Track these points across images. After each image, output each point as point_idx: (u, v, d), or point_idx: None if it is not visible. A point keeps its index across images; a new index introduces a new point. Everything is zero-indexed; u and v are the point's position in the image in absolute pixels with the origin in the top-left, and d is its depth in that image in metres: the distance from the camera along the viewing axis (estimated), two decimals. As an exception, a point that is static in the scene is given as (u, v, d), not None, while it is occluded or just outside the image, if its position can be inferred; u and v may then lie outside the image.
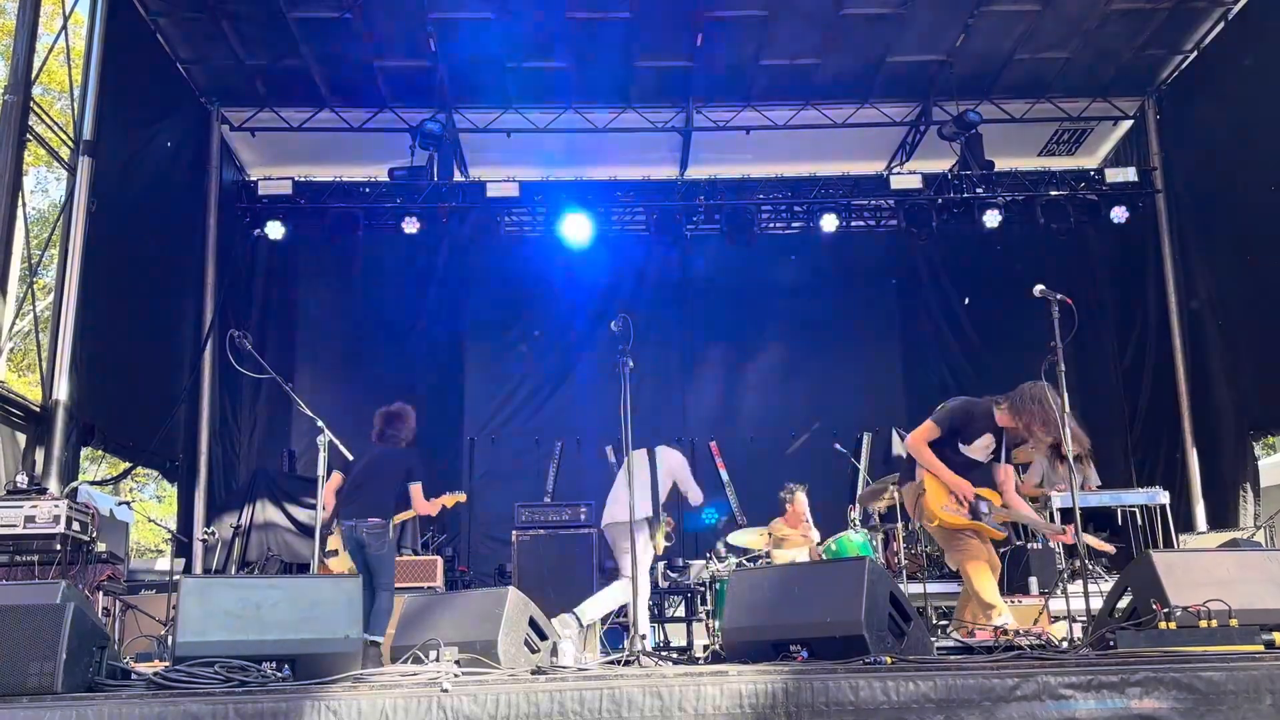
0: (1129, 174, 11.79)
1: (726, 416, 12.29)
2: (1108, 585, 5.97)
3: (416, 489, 7.14)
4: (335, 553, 7.70)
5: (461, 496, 7.58)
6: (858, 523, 8.70)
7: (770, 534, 8.54)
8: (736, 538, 8.74)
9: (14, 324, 10.17)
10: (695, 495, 7.83)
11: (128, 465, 10.16)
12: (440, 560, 8.80)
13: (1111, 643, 4.46)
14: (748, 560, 8.34)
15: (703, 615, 8.18)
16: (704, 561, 8.59)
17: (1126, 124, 12.08)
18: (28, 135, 7.99)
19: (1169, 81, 11.44)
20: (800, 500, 8.71)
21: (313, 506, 7.44)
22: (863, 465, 10.51)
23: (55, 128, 8.62)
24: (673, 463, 7.70)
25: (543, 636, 5.00)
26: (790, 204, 12.50)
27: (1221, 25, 10.40)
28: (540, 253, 12.25)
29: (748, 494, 11.12)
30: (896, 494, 6.48)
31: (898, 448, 11.34)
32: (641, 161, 12.16)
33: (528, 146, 11.60)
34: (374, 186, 11.76)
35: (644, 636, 5.96)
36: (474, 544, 11.41)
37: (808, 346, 12.52)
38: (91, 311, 8.30)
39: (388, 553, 6.99)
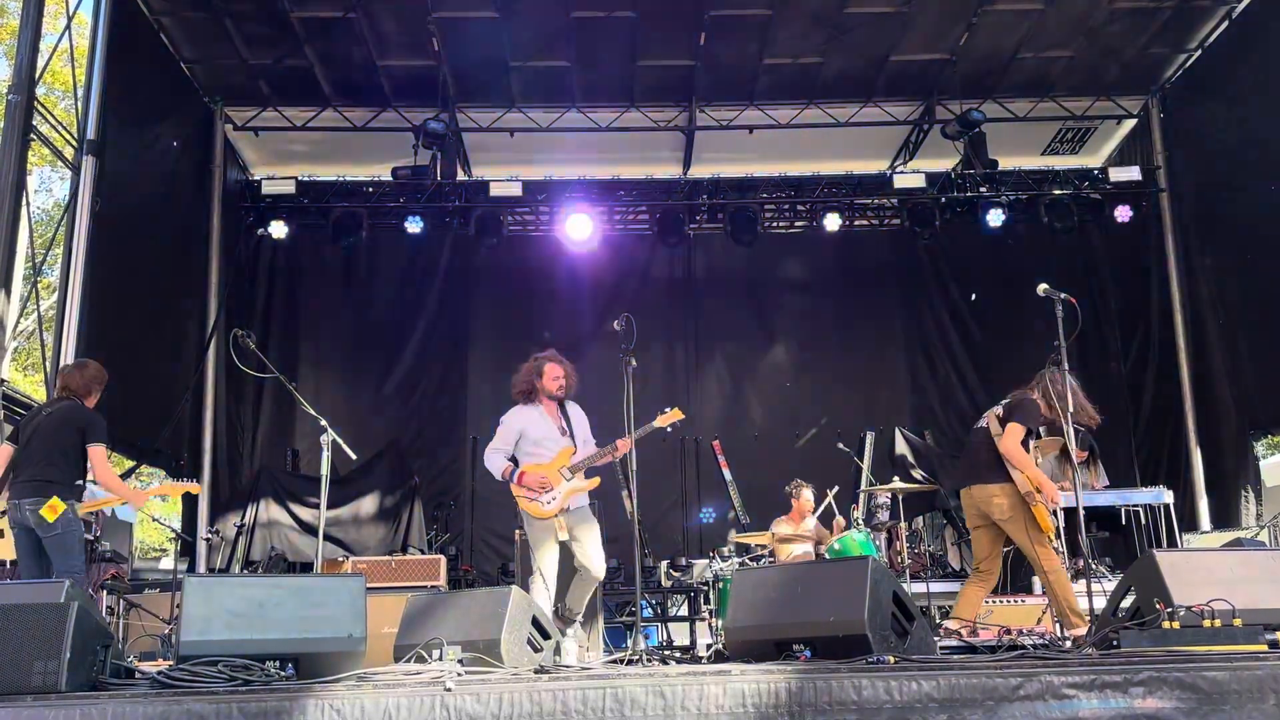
0: (1132, 173, 11.78)
1: (730, 416, 12.30)
2: (1111, 584, 5.96)
3: (97, 451, 6.04)
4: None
5: (196, 488, 6.65)
6: (861, 522, 8.69)
7: (774, 533, 8.54)
8: (740, 538, 8.75)
9: (18, 323, 10.18)
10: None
11: (132, 464, 10.17)
12: (443, 559, 8.80)
13: (1115, 642, 4.46)
14: (750, 559, 8.34)
15: (706, 614, 8.18)
16: (707, 560, 8.59)
17: (1130, 123, 12.06)
18: (31, 135, 8.01)
19: (1172, 80, 11.43)
20: (805, 498, 8.71)
21: (316, 505, 7.44)
22: (866, 464, 10.51)
23: (59, 127, 8.64)
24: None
25: (546, 635, 5.00)
26: (793, 203, 12.51)
27: (1225, 24, 10.38)
28: (543, 252, 12.26)
29: (751, 493, 11.13)
30: (972, 494, 6.34)
31: (901, 447, 11.33)
32: (645, 160, 12.16)
33: (531, 145, 11.61)
34: (377, 186, 11.78)
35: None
36: (477, 543, 11.42)
37: (811, 346, 12.53)
38: (95, 311, 8.31)
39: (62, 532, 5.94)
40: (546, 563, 6.06)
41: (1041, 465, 9.34)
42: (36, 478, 5.96)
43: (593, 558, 6.13)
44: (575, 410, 6.47)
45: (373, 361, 12.10)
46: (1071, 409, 5.82)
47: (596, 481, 6.29)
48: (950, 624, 6.23)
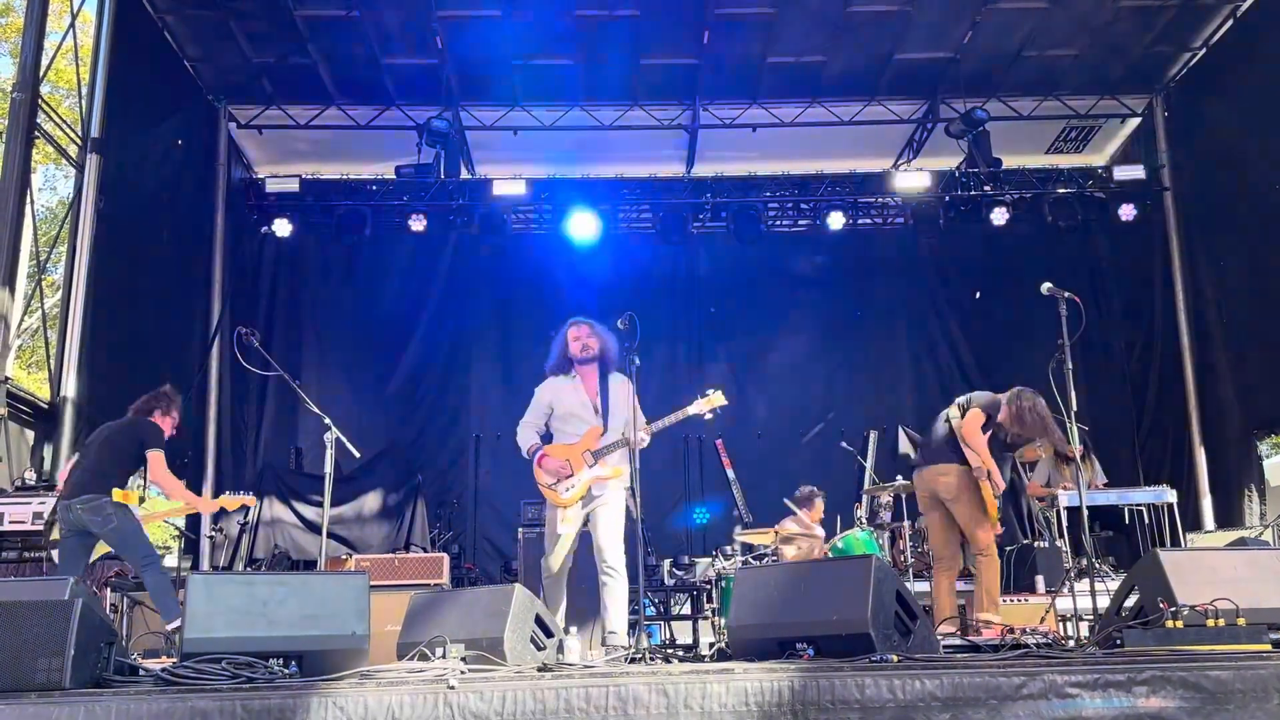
0: (1137, 172, 11.76)
1: (733, 415, 12.18)
2: (1115, 584, 5.96)
3: (157, 456, 6.24)
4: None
5: (250, 501, 6.71)
6: (864, 520, 8.69)
7: (777, 532, 8.53)
8: (744, 536, 8.74)
9: (22, 321, 10.18)
10: None
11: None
12: (446, 557, 8.81)
13: (1118, 641, 4.45)
14: (753, 558, 8.33)
15: (709, 613, 8.18)
16: (710, 559, 8.59)
17: (1134, 121, 12.04)
18: (36, 133, 8.02)
19: (1177, 79, 11.41)
20: (818, 507, 8.68)
21: (320, 503, 7.45)
22: (869, 463, 10.50)
23: (63, 125, 8.65)
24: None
25: (549, 634, 5.01)
26: (797, 202, 12.50)
27: (1230, 22, 10.36)
28: (546, 250, 12.26)
29: (755, 491, 11.11)
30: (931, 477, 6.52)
31: (904, 446, 11.32)
32: (648, 159, 12.16)
33: (534, 144, 11.60)
34: (381, 184, 11.79)
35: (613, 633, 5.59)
36: (480, 541, 11.43)
37: (814, 345, 12.52)
38: (99, 309, 8.33)
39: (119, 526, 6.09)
40: (554, 557, 5.73)
41: (1042, 463, 9.36)
42: (88, 479, 6.07)
43: (606, 550, 5.63)
44: (619, 385, 5.86)
45: (376, 360, 12.11)
46: (1038, 432, 6.28)
47: (620, 472, 5.71)
48: (984, 616, 6.28)
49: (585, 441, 5.76)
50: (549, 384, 5.97)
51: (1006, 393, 6.49)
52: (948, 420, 6.52)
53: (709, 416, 6.05)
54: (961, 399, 6.63)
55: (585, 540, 5.85)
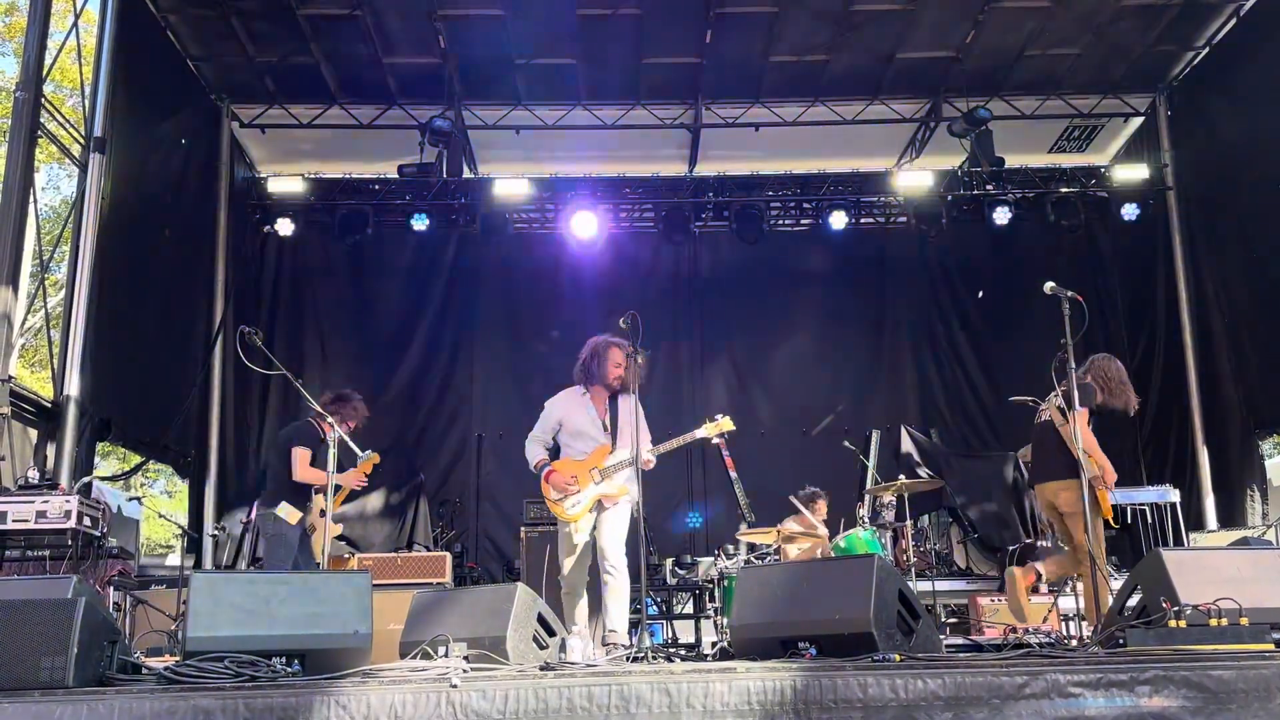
0: (1139, 171, 11.76)
1: (736, 413, 12.00)
2: (1118, 583, 5.96)
3: (299, 453, 6.68)
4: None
5: (375, 457, 6.79)
6: (866, 520, 8.69)
7: (779, 531, 8.53)
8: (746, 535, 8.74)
9: (25, 320, 10.20)
10: None
11: (139, 460, 10.20)
12: (449, 556, 8.82)
13: (1121, 641, 4.45)
14: (756, 557, 8.33)
15: (711, 612, 8.18)
16: (712, 558, 8.59)
17: (1137, 121, 12.02)
18: (39, 132, 8.02)
19: (1180, 78, 11.39)
20: (820, 508, 8.68)
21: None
22: (871, 463, 10.50)
23: (66, 125, 8.65)
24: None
25: (551, 633, 5.01)
26: (799, 200, 12.51)
27: (1233, 22, 10.35)
28: (549, 249, 12.26)
29: (758, 490, 11.10)
30: (1044, 491, 6.48)
31: (907, 445, 11.32)
32: (650, 158, 12.16)
33: (536, 143, 11.61)
34: (383, 183, 11.80)
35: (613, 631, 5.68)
36: (482, 540, 11.43)
37: (816, 344, 12.52)
38: (103, 308, 8.33)
39: (277, 535, 6.61)
40: (569, 570, 5.83)
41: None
42: (264, 491, 6.93)
43: (607, 550, 5.72)
44: (627, 404, 5.84)
45: (378, 358, 12.11)
46: (1123, 397, 6.30)
47: (625, 491, 5.82)
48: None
49: (593, 459, 5.83)
50: (560, 399, 6.06)
51: (1088, 373, 6.35)
52: (1051, 424, 6.38)
53: (716, 441, 6.08)
54: (1055, 400, 6.40)
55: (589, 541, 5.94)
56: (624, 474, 5.80)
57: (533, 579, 7.79)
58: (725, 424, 6.04)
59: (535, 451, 5.94)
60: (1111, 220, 11.87)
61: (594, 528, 5.82)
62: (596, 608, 6.02)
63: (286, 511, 6.60)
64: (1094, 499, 5.88)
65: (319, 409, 6.67)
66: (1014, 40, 10.58)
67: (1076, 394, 5.73)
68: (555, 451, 6.02)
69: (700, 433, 5.97)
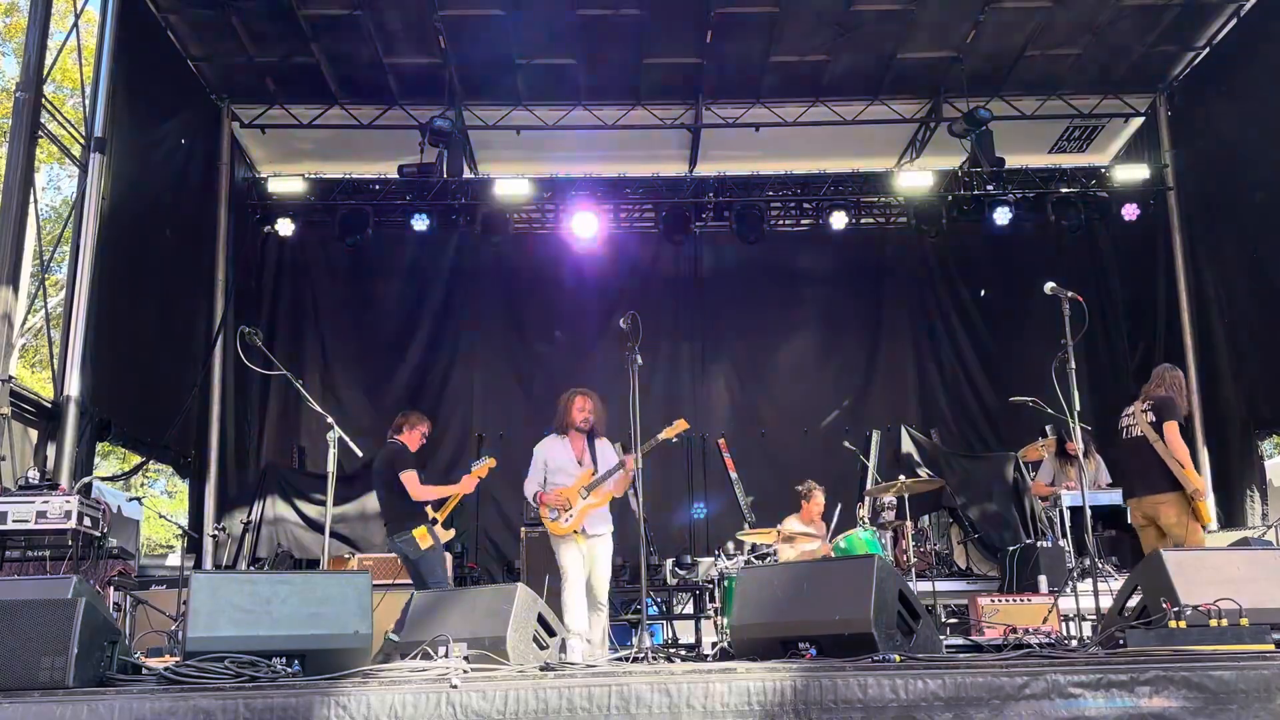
0: (1140, 171, 11.75)
1: (736, 413, 12.29)
2: (1118, 584, 5.96)
3: (407, 477, 6.93)
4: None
5: (491, 461, 7.29)
6: (866, 520, 8.69)
7: (780, 531, 8.53)
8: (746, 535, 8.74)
9: (26, 320, 10.19)
10: None
11: (139, 460, 10.20)
12: (449, 556, 8.81)
13: (1121, 641, 4.45)
14: (756, 557, 8.33)
15: (711, 612, 8.18)
16: (712, 558, 8.59)
17: (1138, 121, 12.02)
18: (40, 132, 8.02)
19: (1180, 78, 11.39)
20: (817, 499, 8.69)
21: (322, 502, 7.45)
22: (872, 463, 10.51)
23: (67, 125, 8.65)
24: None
25: (551, 633, 5.01)
26: (800, 201, 12.50)
27: (1234, 22, 10.35)
28: (549, 250, 12.26)
29: (757, 491, 11.13)
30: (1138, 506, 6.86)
31: (907, 445, 11.33)
32: (651, 158, 12.16)
33: (537, 143, 11.61)
34: (384, 183, 11.80)
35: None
36: (482, 540, 11.43)
37: (817, 344, 12.52)
38: (103, 308, 8.34)
39: (424, 555, 6.89)
40: (572, 574, 6.41)
41: (1046, 462, 9.35)
42: (384, 520, 7.26)
43: (596, 582, 6.50)
44: (604, 445, 6.83)
45: (378, 359, 12.11)
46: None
47: (610, 495, 6.64)
48: None
49: (579, 482, 6.61)
50: (545, 443, 6.82)
51: (1162, 385, 6.77)
52: (1145, 440, 6.68)
53: (675, 440, 6.78)
54: (1143, 413, 6.76)
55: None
56: (608, 484, 6.59)
57: (533, 579, 7.79)
58: (680, 425, 6.71)
59: (531, 489, 6.71)
60: (1112, 220, 11.87)
61: (584, 554, 6.51)
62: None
63: (420, 535, 6.86)
64: (1190, 521, 6.35)
65: (318, 409, 6.66)
66: (1014, 40, 10.58)
67: (1075, 394, 5.73)
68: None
69: (663, 435, 6.57)
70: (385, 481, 7.03)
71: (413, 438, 7.29)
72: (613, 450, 6.84)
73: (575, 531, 6.46)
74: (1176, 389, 6.76)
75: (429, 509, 6.98)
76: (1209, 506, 6.63)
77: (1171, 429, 6.57)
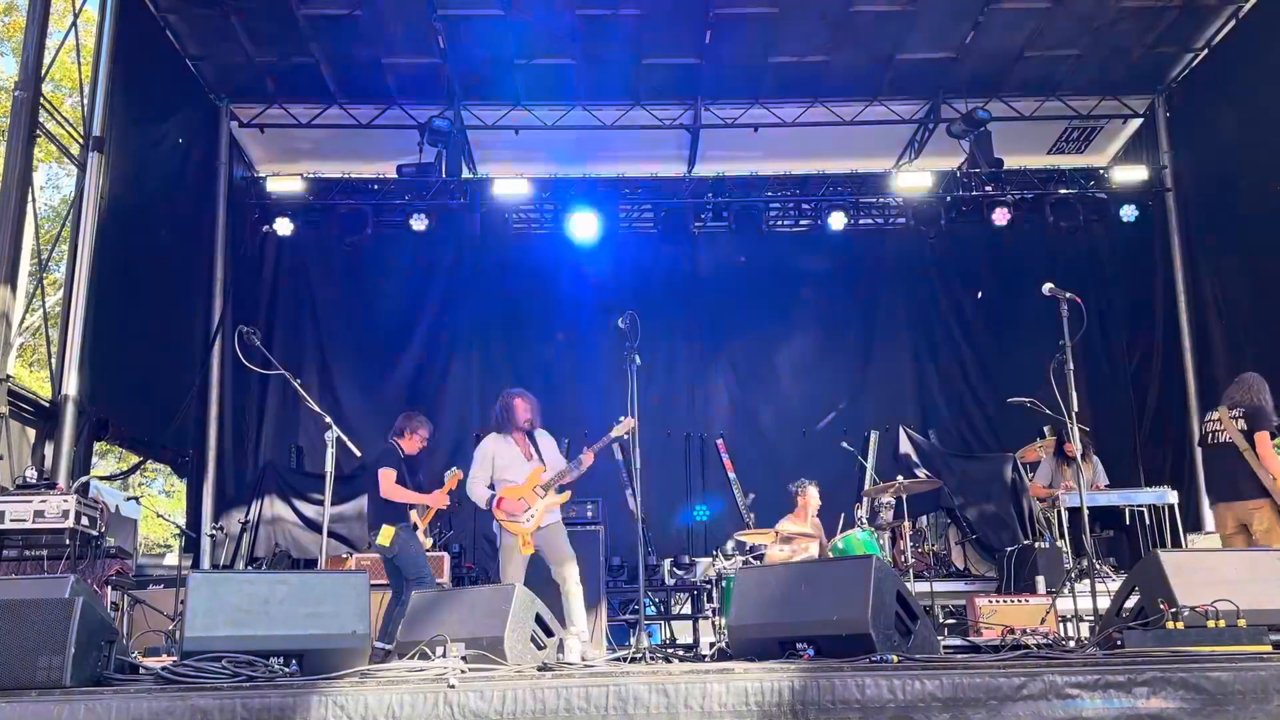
0: (1138, 173, 11.76)
1: (734, 413, 12.29)
2: (1115, 585, 5.96)
3: (382, 474, 6.97)
4: None
5: (459, 473, 7.30)
6: (864, 521, 8.68)
7: (777, 532, 8.53)
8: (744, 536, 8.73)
9: (24, 319, 10.19)
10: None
11: (137, 460, 10.19)
12: (447, 556, 8.82)
13: (1119, 642, 4.45)
14: (754, 558, 8.33)
15: (709, 612, 8.18)
16: (710, 559, 8.59)
17: (1136, 122, 12.03)
18: (38, 131, 8.02)
19: (1179, 80, 11.40)
20: (811, 495, 8.69)
21: (320, 502, 7.46)
22: (870, 463, 10.51)
23: (65, 124, 8.65)
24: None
25: (549, 633, 5.01)
26: (798, 201, 12.50)
27: (1232, 24, 10.35)
28: (548, 250, 12.26)
29: (757, 490, 11.11)
30: (1232, 511, 6.89)
31: (905, 446, 11.32)
32: (649, 158, 12.15)
33: (536, 143, 11.60)
34: (382, 183, 11.79)
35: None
36: (480, 540, 11.41)
37: (815, 344, 12.51)
38: (101, 307, 8.33)
39: (394, 554, 6.94)
40: (512, 578, 6.53)
41: (1044, 463, 9.36)
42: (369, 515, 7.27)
43: (565, 570, 6.64)
44: (543, 436, 7.09)
45: (377, 358, 12.10)
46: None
47: (568, 496, 6.94)
48: None
49: (531, 480, 6.79)
50: (489, 444, 7.01)
51: (1253, 394, 6.85)
52: (1235, 447, 6.76)
53: (626, 436, 6.72)
54: (1232, 420, 6.85)
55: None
56: (567, 478, 6.84)
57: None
58: (628, 423, 6.63)
59: (481, 492, 6.86)
60: (1110, 222, 11.88)
61: (544, 553, 6.72)
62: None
63: (384, 534, 6.87)
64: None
65: (317, 409, 6.66)
66: (1013, 41, 10.58)
67: (1073, 395, 5.74)
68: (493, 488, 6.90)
69: (614, 432, 6.67)
70: (371, 479, 7.12)
71: (411, 442, 7.33)
72: (552, 441, 7.11)
73: (526, 539, 6.64)
74: (1265, 397, 6.88)
75: (413, 514, 7.04)
76: None
77: (1263, 439, 6.70)
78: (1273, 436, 6.74)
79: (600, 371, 11.31)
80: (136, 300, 9.24)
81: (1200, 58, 11.00)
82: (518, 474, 6.81)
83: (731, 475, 11.44)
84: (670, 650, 7.37)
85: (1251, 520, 6.68)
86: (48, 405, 8.01)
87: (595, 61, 10.63)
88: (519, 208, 12.05)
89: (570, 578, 6.62)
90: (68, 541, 6.36)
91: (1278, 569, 4.65)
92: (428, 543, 7.35)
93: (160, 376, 9.86)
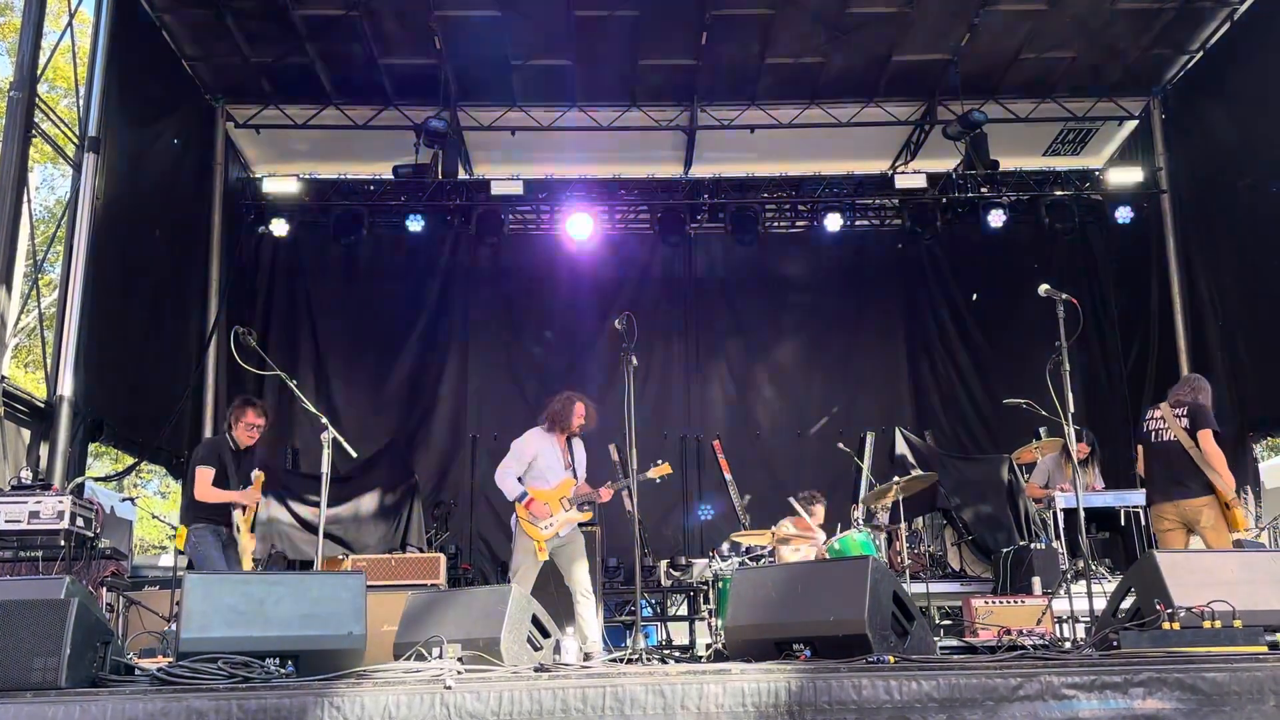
0: (1134, 174, 11.79)
1: (731, 415, 12.30)
2: (1111, 585, 5.97)
3: (198, 473, 6.60)
4: None
5: (262, 475, 6.87)
6: (861, 522, 8.69)
7: (774, 533, 8.52)
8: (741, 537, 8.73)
9: (19, 320, 10.17)
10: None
11: (132, 461, 10.18)
12: (443, 557, 8.79)
13: (1115, 643, 4.45)
14: (751, 559, 8.33)
15: (705, 614, 8.17)
16: (707, 560, 8.58)
17: (1132, 124, 12.06)
18: (33, 132, 8.01)
19: (1174, 81, 11.42)
20: (819, 513, 8.65)
21: (316, 503, 7.42)
22: (866, 464, 10.51)
23: (61, 125, 8.64)
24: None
25: (545, 634, 5.01)
26: (794, 203, 12.52)
27: (1227, 25, 10.38)
28: (544, 251, 12.27)
29: (752, 492, 11.12)
30: (1180, 508, 6.97)
31: (901, 447, 11.31)
32: (646, 160, 12.17)
33: (532, 144, 11.61)
34: (378, 184, 11.79)
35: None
36: (477, 542, 11.42)
37: (812, 346, 12.53)
38: (97, 308, 8.32)
39: (191, 554, 6.63)
40: (523, 580, 6.51)
41: (1041, 464, 9.36)
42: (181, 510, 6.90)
43: (579, 580, 6.64)
44: (579, 446, 6.99)
45: (373, 359, 12.10)
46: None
47: (589, 515, 6.88)
48: None
49: (561, 489, 6.73)
50: (533, 438, 6.89)
51: (1198, 393, 6.98)
52: (1179, 444, 6.85)
53: (658, 480, 7.00)
54: (1175, 419, 6.94)
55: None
56: (582, 501, 6.80)
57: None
58: (664, 468, 6.96)
59: (511, 485, 6.76)
60: (1106, 223, 11.91)
61: (558, 562, 6.71)
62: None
63: (180, 535, 6.61)
64: (1225, 522, 6.59)
65: (312, 410, 6.64)
66: (1009, 43, 10.60)
67: (1069, 396, 5.74)
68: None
69: (648, 474, 6.77)
70: (191, 473, 6.69)
71: (238, 431, 6.80)
72: (584, 455, 7.02)
73: (541, 545, 6.58)
74: (1207, 396, 6.99)
75: (237, 515, 6.67)
76: (1242, 512, 6.82)
77: (1206, 436, 6.76)
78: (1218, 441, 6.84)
79: (596, 373, 11.33)
80: (132, 301, 9.23)
81: (1195, 60, 11.02)
82: (551, 479, 6.75)
83: (728, 476, 11.44)
84: (667, 651, 7.37)
85: (1199, 517, 6.76)
86: (43, 406, 7.99)
87: (592, 62, 10.64)
88: (515, 208, 12.06)
89: (579, 589, 6.60)
90: (63, 542, 6.35)
91: (1274, 570, 4.66)
92: (251, 543, 6.89)
93: (155, 377, 9.84)
